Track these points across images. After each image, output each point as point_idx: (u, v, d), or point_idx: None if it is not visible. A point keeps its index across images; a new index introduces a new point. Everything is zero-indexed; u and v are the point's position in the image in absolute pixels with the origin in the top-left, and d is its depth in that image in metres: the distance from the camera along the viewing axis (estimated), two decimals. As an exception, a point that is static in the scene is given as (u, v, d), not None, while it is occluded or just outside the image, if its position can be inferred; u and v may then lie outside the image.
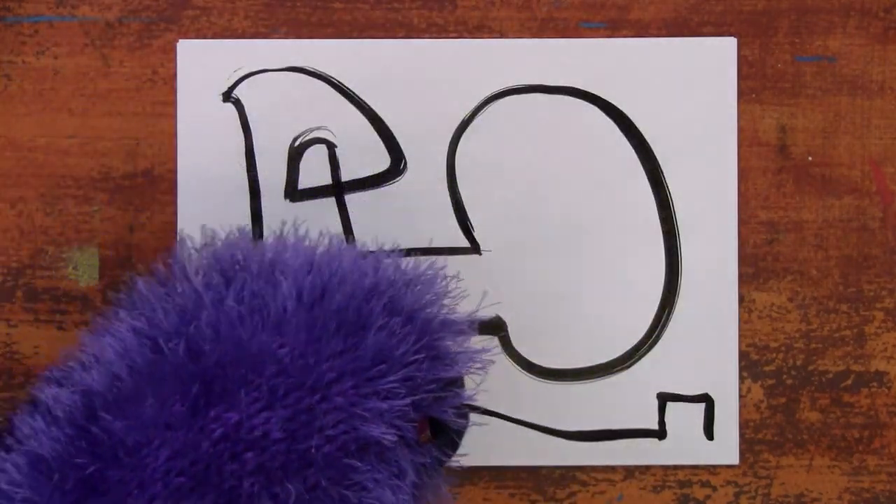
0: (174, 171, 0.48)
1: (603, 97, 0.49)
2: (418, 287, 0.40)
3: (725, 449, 0.49)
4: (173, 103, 0.48)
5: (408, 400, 0.38)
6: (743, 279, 0.49)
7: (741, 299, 0.49)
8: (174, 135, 0.48)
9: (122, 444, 0.36)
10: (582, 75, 0.49)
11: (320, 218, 0.48)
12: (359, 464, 0.37)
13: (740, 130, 0.49)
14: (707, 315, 0.49)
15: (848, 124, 0.49)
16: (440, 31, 0.49)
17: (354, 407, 0.37)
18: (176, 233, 0.48)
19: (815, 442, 0.49)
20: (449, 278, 0.40)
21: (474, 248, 0.48)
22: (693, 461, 0.49)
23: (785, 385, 0.49)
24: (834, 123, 0.49)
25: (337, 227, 0.48)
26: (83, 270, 0.48)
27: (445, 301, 0.40)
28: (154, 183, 0.48)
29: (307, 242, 0.40)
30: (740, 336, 0.49)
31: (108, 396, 0.37)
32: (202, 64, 0.48)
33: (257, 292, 0.38)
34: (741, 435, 0.49)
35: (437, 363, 0.39)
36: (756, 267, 0.49)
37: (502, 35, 0.49)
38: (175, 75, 0.48)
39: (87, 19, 0.48)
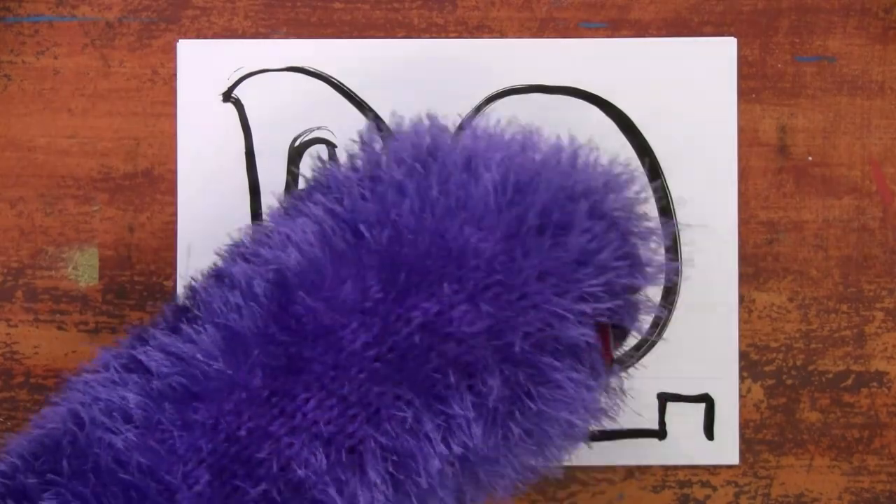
0: (174, 171, 0.48)
1: (603, 97, 0.49)
2: (621, 191, 0.38)
3: (725, 449, 0.49)
4: (173, 103, 0.48)
5: (610, 304, 0.37)
6: (743, 279, 0.49)
7: (741, 299, 0.49)
8: (174, 135, 0.48)
9: (321, 324, 0.35)
10: (582, 75, 0.49)
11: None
12: (557, 363, 0.36)
13: (740, 130, 0.49)
14: (707, 315, 0.49)
15: (848, 124, 0.50)
16: (440, 31, 0.49)
17: (555, 307, 0.36)
18: (176, 233, 0.48)
19: (815, 442, 0.49)
20: (643, 183, 0.40)
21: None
22: (693, 461, 0.49)
23: (785, 385, 0.49)
24: (834, 123, 0.49)
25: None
26: (83, 270, 0.48)
27: (640, 203, 0.39)
28: (154, 183, 0.48)
29: (504, 136, 0.39)
30: (740, 336, 0.49)
31: (305, 277, 0.36)
32: (202, 64, 0.48)
33: (460, 184, 0.36)
34: (741, 435, 0.49)
35: (635, 270, 0.38)
36: (756, 267, 0.49)
37: (502, 35, 0.49)
38: (175, 75, 0.48)
39: (87, 19, 0.48)
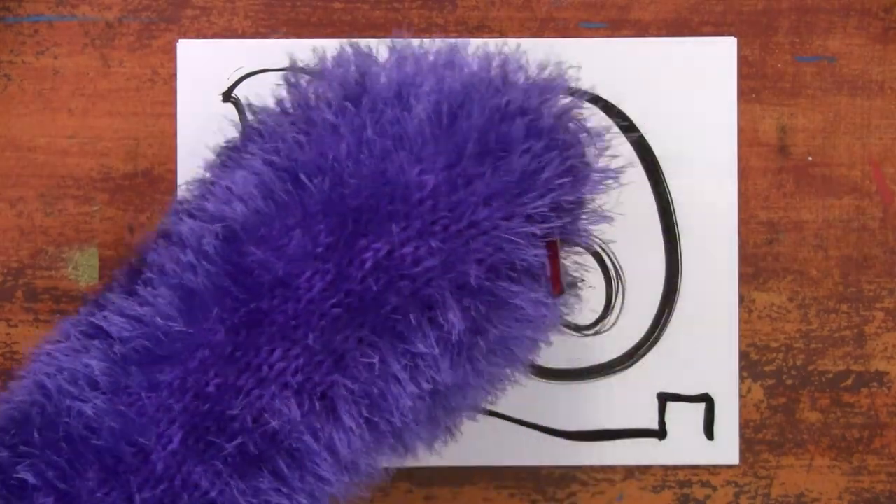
0: (174, 172, 0.48)
1: (603, 97, 0.49)
2: (555, 102, 0.38)
3: (725, 449, 0.49)
4: (173, 103, 0.48)
5: (557, 222, 0.36)
6: (743, 279, 0.49)
7: (741, 299, 0.49)
8: (174, 135, 0.48)
9: (275, 276, 0.35)
10: (582, 75, 0.49)
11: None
12: (514, 286, 0.36)
13: (740, 130, 0.49)
14: (707, 315, 0.49)
15: (848, 124, 0.49)
16: (440, 32, 0.49)
17: (504, 232, 0.36)
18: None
19: (815, 442, 0.49)
20: (577, 80, 0.39)
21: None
22: (693, 461, 0.49)
23: (785, 385, 0.49)
24: (834, 123, 0.49)
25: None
26: (83, 270, 0.48)
27: (579, 111, 0.39)
28: (154, 183, 0.48)
29: (430, 56, 0.38)
30: (740, 336, 0.49)
31: (253, 230, 0.36)
32: (202, 64, 0.48)
33: (393, 119, 0.36)
34: (741, 435, 0.49)
35: (579, 183, 0.38)
36: (756, 267, 0.49)
37: (502, 35, 0.49)
38: (175, 75, 0.48)
39: (87, 19, 0.48)
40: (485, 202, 0.36)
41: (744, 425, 0.49)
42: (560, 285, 0.38)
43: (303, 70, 0.39)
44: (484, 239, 0.35)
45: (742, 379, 0.49)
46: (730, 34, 0.49)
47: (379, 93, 0.37)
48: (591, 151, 0.39)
